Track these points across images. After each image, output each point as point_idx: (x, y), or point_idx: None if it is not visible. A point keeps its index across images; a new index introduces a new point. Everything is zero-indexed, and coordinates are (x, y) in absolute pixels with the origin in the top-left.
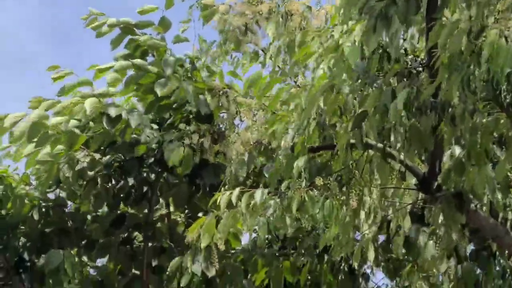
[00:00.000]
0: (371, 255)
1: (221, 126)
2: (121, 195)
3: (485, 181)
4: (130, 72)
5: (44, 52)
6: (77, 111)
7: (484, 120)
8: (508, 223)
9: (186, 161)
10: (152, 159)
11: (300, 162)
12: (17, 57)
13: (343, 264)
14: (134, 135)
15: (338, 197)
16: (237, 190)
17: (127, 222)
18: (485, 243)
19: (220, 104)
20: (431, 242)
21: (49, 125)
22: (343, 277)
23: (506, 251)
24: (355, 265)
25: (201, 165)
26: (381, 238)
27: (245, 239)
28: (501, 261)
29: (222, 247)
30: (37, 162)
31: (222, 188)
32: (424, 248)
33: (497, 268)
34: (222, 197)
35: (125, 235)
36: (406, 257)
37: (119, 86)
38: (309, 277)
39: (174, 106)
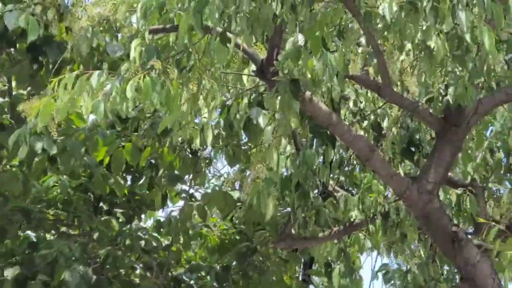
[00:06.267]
0: (209, 139)
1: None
2: None
3: (322, 68)
4: None
5: None
6: None
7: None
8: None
9: (32, 29)
10: None
11: (137, 43)
12: None
13: (184, 147)
14: None
15: (177, 80)
16: (74, 73)
17: None
18: (322, 132)
19: None
20: (269, 127)
21: None
22: (183, 160)
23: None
24: (196, 147)
25: (45, 42)
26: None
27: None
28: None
29: (53, 128)
30: None
31: (68, 67)
32: (262, 133)
33: (336, 158)
34: (61, 80)
35: None
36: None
37: None
38: (151, 160)
39: None
